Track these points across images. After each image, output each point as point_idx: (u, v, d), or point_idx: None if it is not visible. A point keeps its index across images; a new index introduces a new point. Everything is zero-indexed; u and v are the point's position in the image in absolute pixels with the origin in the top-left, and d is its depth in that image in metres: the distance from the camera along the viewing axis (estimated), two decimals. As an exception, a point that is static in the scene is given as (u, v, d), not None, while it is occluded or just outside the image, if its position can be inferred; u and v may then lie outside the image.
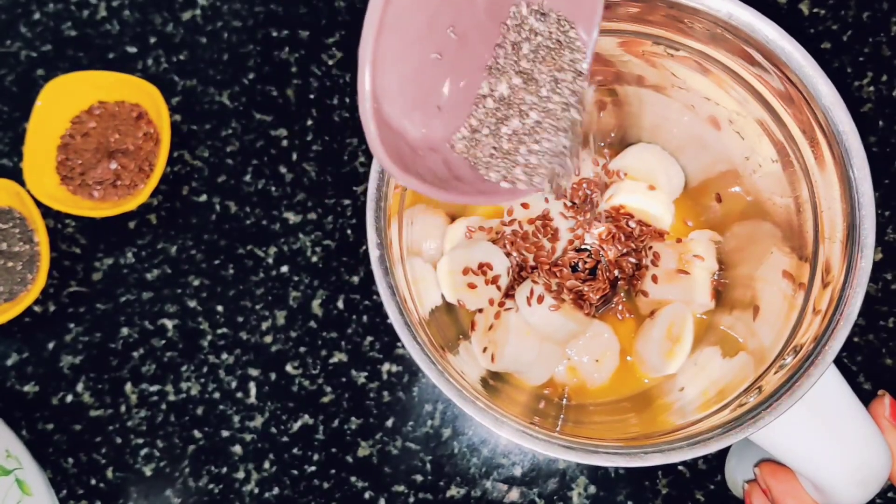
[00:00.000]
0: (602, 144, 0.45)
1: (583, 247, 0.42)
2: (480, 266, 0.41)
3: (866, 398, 0.46)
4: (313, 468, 0.48)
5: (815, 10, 0.50)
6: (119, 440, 0.49)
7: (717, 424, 0.31)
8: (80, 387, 0.50)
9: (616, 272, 0.42)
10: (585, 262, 0.41)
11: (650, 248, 0.42)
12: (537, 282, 0.40)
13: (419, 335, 0.31)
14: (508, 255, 0.42)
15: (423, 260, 0.41)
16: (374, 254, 0.31)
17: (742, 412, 0.30)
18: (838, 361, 0.46)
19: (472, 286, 0.41)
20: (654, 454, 0.30)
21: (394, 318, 0.31)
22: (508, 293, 0.41)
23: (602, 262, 0.42)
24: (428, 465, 0.48)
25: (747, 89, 0.34)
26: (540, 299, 0.39)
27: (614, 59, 0.38)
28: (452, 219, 0.44)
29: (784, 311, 0.35)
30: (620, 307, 0.43)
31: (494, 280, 0.41)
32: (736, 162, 0.39)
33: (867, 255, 0.30)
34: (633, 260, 0.42)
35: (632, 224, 0.42)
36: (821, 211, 0.33)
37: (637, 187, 0.42)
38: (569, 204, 0.42)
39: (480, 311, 0.42)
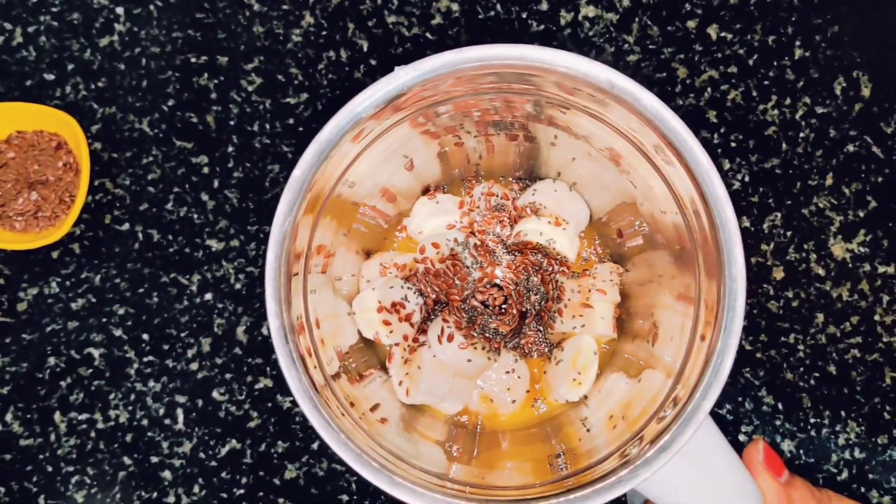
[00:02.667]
0: (511, 179, 0.46)
1: (493, 283, 0.44)
2: (394, 305, 0.42)
3: (766, 415, 0.48)
4: (242, 491, 0.50)
5: (723, 35, 0.52)
6: (50, 468, 0.50)
7: (604, 472, 0.33)
8: (9, 416, 0.50)
9: (525, 306, 0.43)
10: (495, 298, 0.43)
11: (556, 281, 0.43)
12: (448, 320, 0.41)
13: (319, 402, 0.33)
14: (421, 292, 0.43)
15: (339, 296, 0.42)
16: (273, 323, 0.32)
17: (625, 461, 0.32)
18: (741, 375, 0.49)
19: (386, 323, 0.42)
20: None
21: (294, 388, 0.32)
22: (423, 328, 0.43)
23: (512, 297, 0.43)
24: (353, 486, 0.50)
25: (634, 146, 0.35)
26: (450, 338, 0.41)
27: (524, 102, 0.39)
28: (368, 255, 0.45)
29: (680, 337, 0.37)
30: (530, 339, 0.44)
31: (408, 318, 0.42)
32: (634, 202, 0.40)
33: (735, 331, 0.32)
34: (540, 293, 0.43)
35: (539, 258, 0.43)
36: (699, 261, 0.34)
37: (544, 222, 0.43)
38: (478, 243, 0.44)
39: (397, 344, 0.44)
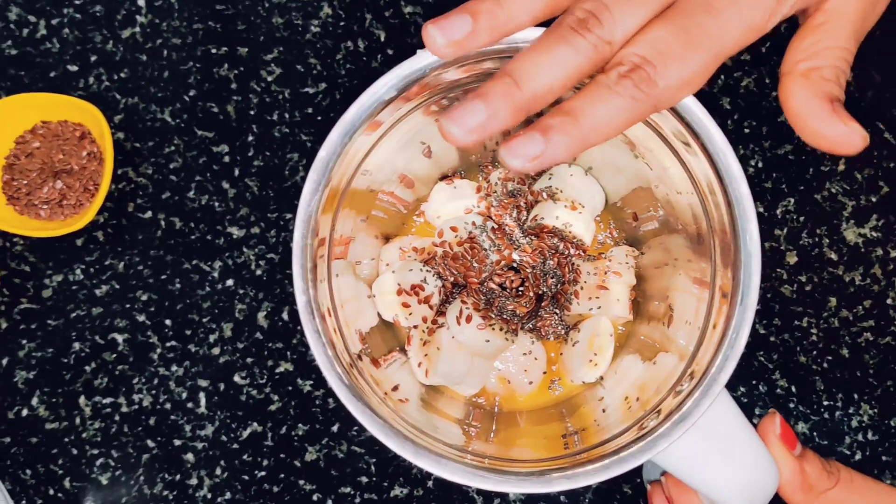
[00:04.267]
0: None
1: (511, 265, 0.45)
2: (413, 287, 0.43)
3: (780, 398, 0.49)
4: (263, 473, 0.51)
5: (736, 23, 0.52)
6: (75, 451, 0.51)
7: (619, 446, 0.33)
8: (35, 401, 0.51)
9: (542, 288, 0.44)
10: (512, 281, 0.44)
11: (573, 264, 0.44)
12: (466, 301, 0.42)
13: (345, 378, 0.33)
14: (440, 275, 0.44)
15: (359, 279, 0.43)
16: (300, 299, 0.33)
17: (642, 434, 0.33)
18: (755, 358, 0.49)
19: (405, 305, 0.43)
20: (559, 480, 0.32)
21: (322, 364, 0.33)
22: (441, 311, 0.44)
23: (528, 280, 0.44)
24: (372, 468, 0.51)
25: (650, 128, 0.36)
26: (469, 319, 0.41)
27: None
28: (387, 239, 0.46)
29: (695, 319, 0.38)
30: (546, 321, 0.45)
31: (427, 300, 0.43)
32: (649, 185, 0.41)
33: (750, 305, 0.32)
34: (556, 276, 0.44)
35: (555, 242, 0.44)
36: (715, 245, 0.35)
37: (560, 207, 0.44)
38: (495, 227, 0.45)
39: (416, 326, 0.44)
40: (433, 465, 0.32)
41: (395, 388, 0.40)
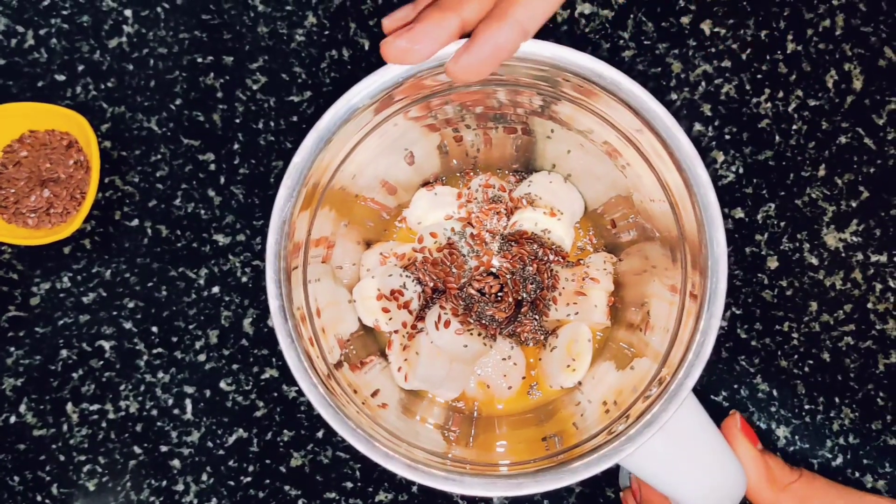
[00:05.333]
0: (508, 171, 0.48)
1: (490, 271, 0.45)
2: (393, 292, 0.43)
3: (761, 402, 0.49)
4: (249, 479, 0.51)
5: (717, 30, 0.53)
6: (62, 458, 0.51)
7: (588, 450, 0.34)
8: (22, 408, 0.52)
9: (521, 294, 0.45)
10: (492, 286, 0.44)
11: (552, 270, 0.45)
12: (445, 307, 0.42)
13: (321, 386, 0.34)
14: (420, 280, 0.44)
15: (340, 284, 0.44)
16: (273, 304, 0.34)
17: (611, 438, 0.33)
18: (736, 363, 0.50)
19: (386, 310, 0.44)
20: (528, 483, 0.33)
21: (295, 370, 0.34)
22: (421, 316, 0.44)
23: (507, 286, 0.44)
24: (357, 473, 0.51)
25: (623, 135, 0.37)
26: (447, 324, 0.42)
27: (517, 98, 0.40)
28: (368, 244, 0.46)
29: (671, 327, 0.38)
30: (525, 326, 0.45)
31: (406, 305, 0.43)
32: (628, 193, 0.42)
33: (716, 312, 0.32)
34: (535, 282, 0.45)
35: (534, 248, 0.45)
36: (686, 252, 0.35)
37: (539, 213, 0.44)
38: (474, 233, 0.45)
39: (396, 331, 0.45)
40: (409, 472, 0.33)
41: (375, 394, 0.41)
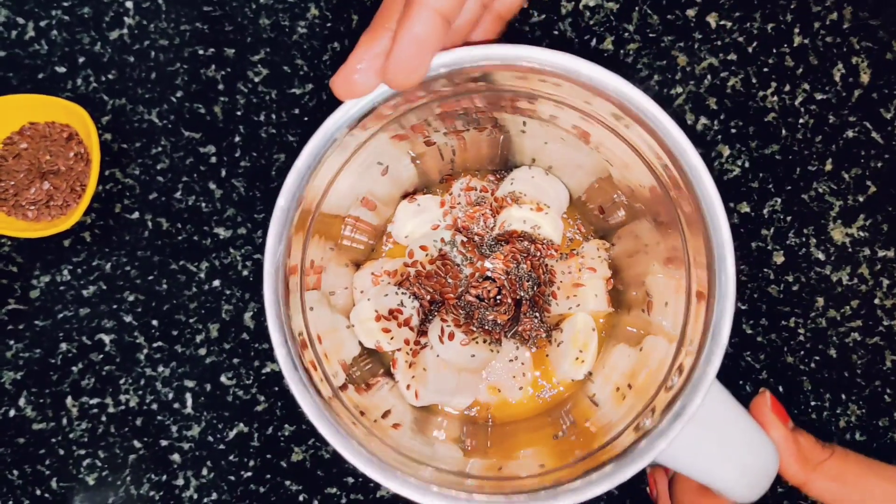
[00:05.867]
0: (488, 171, 0.47)
1: (485, 276, 0.44)
2: (391, 311, 0.43)
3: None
4: (249, 474, 0.51)
5: (723, 23, 0.52)
6: (62, 451, 0.51)
7: (620, 450, 0.33)
8: (22, 401, 0.51)
9: (519, 293, 0.44)
10: (489, 290, 0.44)
11: (546, 265, 0.44)
12: (446, 318, 0.42)
13: (329, 415, 0.33)
14: (416, 295, 0.44)
15: (335, 311, 0.43)
16: (275, 337, 0.33)
17: (640, 436, 0.33)
18: (742, 359, 0.49)
19: (386, 331, 0.43)
20: (565, 494, 0.32)
21: (301, 399, 0.33)
22: (422, 330, 0.44)
23: (505, 287, 0.44)
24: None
25: (594, 119, 0.36)
26: (451, 336, 0.41)
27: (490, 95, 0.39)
28: (357, 266, 0.46)
29: (675, 301, 0.37)
30: (528, 325, 0.45)
31: (406, 322, 0.43)
32: (608, 174, 0.41)
33: (728, 293, 0.32)
34: (532, 279, 0.44)
35: (526, 245, 0.44)
36: (686, 238, 0.35)
37: (525, 210, 0.44)
38: (465, 240, 0.44)
39: (399, 349, 0.44)
40: (428, 498, 0.32)
41: (386, 415, 0.40)
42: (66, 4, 0.54)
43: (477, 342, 0.42)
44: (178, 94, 0.54)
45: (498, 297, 0.44)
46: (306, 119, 0.53)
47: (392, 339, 0.43)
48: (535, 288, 0.44)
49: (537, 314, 0.45)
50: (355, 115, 0.33)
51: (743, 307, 0.51)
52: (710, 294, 0.32)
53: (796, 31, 0.52)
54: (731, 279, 0.32)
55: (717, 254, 0.32)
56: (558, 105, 0.36)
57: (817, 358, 0.50)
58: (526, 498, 0.33)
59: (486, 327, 0.43)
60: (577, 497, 0.32)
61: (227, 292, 0.52)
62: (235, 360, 0.51)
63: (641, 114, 0.32)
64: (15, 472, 0.51)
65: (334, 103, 0.35)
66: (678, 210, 0.34)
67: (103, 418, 0.51)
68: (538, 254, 0.44)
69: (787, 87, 0.52)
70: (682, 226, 0.34)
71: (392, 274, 0.44)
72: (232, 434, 0.51)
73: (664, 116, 0.32)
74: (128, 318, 0.52)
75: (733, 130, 0.52)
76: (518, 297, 0.44)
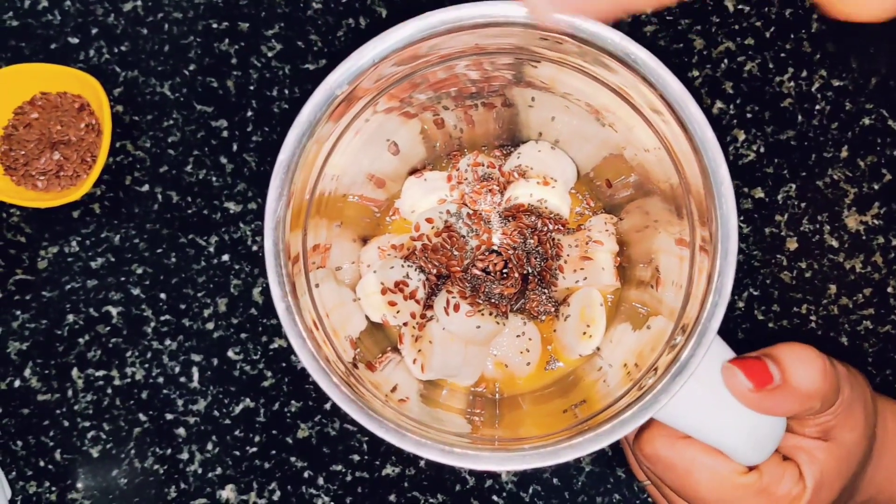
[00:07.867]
0: (495, 147, 0.47)
1: (491, 249, 0.44)
2: (397, 284, 0.42)
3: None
4: (255, 449, 0.50)
5: (740, 7, 0.52)
6: (66, 423, 0.51)
7: (621, 408, 0.33)
8: (27, 372, 0.51)
9: (526, 268, 0.44)
10: (496, 264, 0.43)
11: (553, 239, 0.44)
12: (452, 291, 0.42)
13: (345, 388, 0.33)
14: (422, 268, 0.44)
15: (342, 285, 0.43)
16: (280, 306, 0.33)
17: (642, 393, 0.33)
18: (752, 347, 0.49)
19: (392, 304, 0.42)
20: (564, 450, 0.32)
21: (318, 377, 0.33)
22: (428, 304, 0.43)
23: (511, 261, 0.44)
24: (365, 446, 0.50)
25: (608, 88, 0.36)
26: (456, 308, 0.41)
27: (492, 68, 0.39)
28: (364, 241, 0.45)
29: (682, 277, 0.37)
30: (535, 300, 0.45)
31: (412, 295, 0.42)
32: (619, 150, 0.41)
33: (730, 249, 0.32)
34: (539, 254, 0.44)
35: (533, 219, 0.44)
36: (691, 196, 0.34)
37: (533, 184, 0.44)
38: (470, 212, 0.44)
39: (405, 323, 0.44)
40: (443, 456, 0.32)
41: (394, 389, 0.40)
42: (80, -25, 0.54)
43: (483, 314, 0.41)
44: (191, 68, 0.53)
45: (504, 270, 0.43)
46: (319, 95, 0.53)
47: (398, 312, 0.42)
48: (543, 262, 0.44)
49: (545, 289, 0.44)
50: (355, 72, 0.33)
51: (755, 293, 0.50)
52: (713, 246, 0.32)
53: (814, 16, 0.52)
54: (733, 236, 0.31)
55: (720, 210, 0.32)
56: (571, 72, 0.36)
57: (829, 346, 0.50)
58: (523, 455, 0.33)
59: (493, 300, 0.43)
60: (577, 452, 0.32)
61: (236, 267, 0.52)
62: (243, 335, 0.51)
63: (658, 85, 0.32)
64: (19, 443, 0.51)
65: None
66: (678, 168, 0.34)
67: (109, 391, 0.51)
68: (545, 228, 0.44)
69: (804, 73, 0.52)
70: (687, 198, 0.34)
71: (399, 248, 0.44)
72: (238, 409, 0.51)
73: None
74: (135, 291, 0.52)
75: (749, 115, 0.51)
76: (525, 272, 0.44)
